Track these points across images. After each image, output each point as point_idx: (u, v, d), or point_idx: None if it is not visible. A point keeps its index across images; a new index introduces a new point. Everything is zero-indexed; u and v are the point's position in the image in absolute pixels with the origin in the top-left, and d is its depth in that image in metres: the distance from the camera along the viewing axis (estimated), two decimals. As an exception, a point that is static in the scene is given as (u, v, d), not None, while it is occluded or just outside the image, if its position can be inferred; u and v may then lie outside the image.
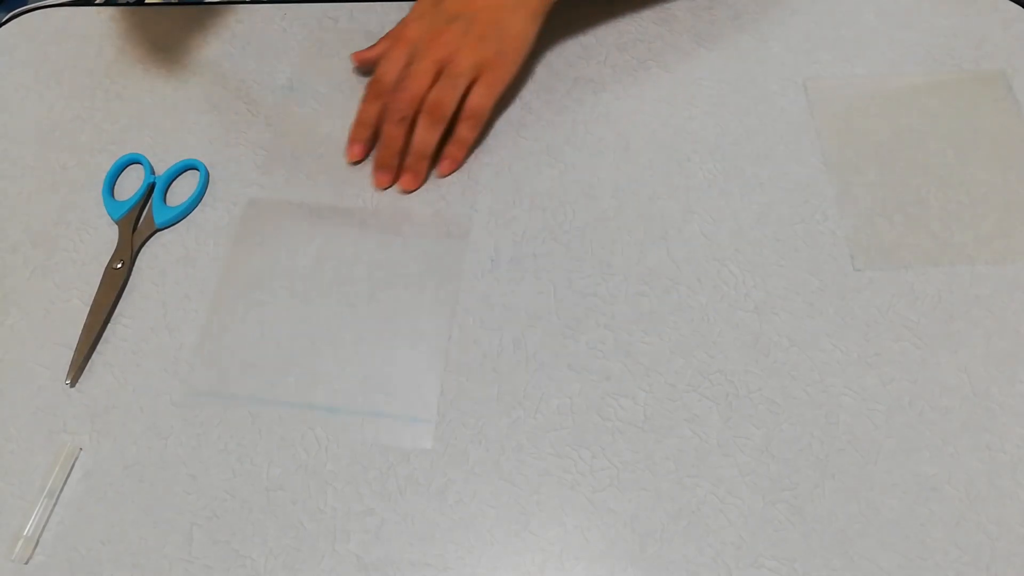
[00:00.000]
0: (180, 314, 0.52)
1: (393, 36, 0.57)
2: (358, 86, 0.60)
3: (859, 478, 0.46)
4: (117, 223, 0.55)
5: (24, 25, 0.65)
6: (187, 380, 0.50)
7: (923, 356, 0.50)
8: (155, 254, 0.55)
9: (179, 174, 0.58)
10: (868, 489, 0.46)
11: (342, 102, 0.60)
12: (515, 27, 0.55)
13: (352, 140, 0.57)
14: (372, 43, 0.62)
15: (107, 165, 0.58)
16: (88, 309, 0.52)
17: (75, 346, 0.51)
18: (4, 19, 0.65)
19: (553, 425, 0.48)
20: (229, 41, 0.63)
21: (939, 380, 0.49)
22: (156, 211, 0.56)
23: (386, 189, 0.56)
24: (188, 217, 0.56)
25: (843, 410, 0.48)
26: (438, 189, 0.56)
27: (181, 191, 0.57)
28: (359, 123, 0.57)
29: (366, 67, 0.60)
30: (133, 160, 0.58)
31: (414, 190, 0.56)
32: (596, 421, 0.48)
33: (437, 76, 0.54)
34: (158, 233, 0.55)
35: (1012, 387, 0.49)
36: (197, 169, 0.58)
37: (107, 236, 0.55)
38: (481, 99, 0.55)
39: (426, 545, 0.45)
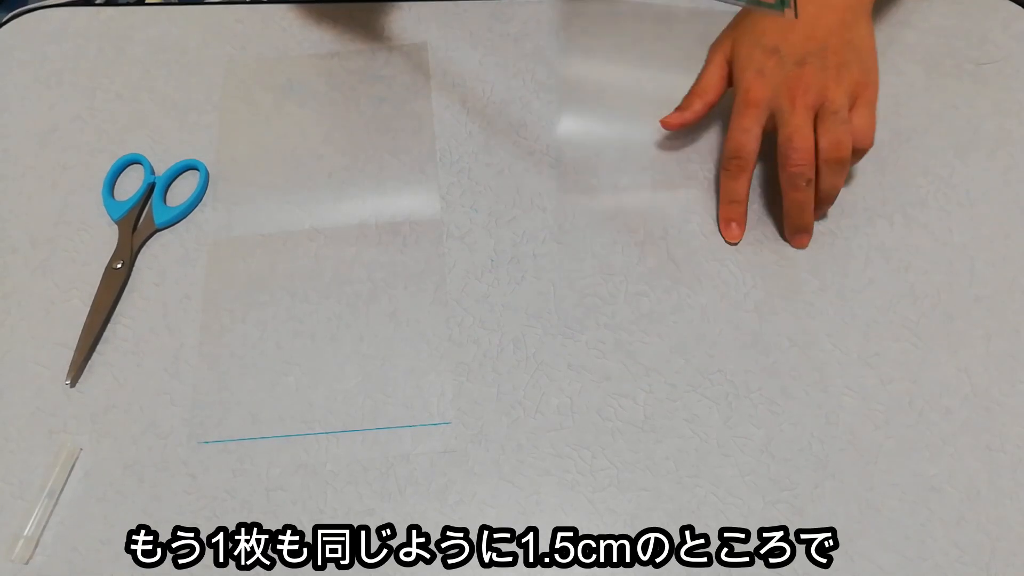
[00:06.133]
0: (180, 314, 0.52)
1: (741, 103, 0.52)
2: (358, 86, 0.60)
3: (859, 478, 0.46)
4: (117, 223, 0.55)
5: (24, 25, 0.65)
6: (189, 383, 0.50)
7: (923, 356, 0.50)
8: (155, 254, 0.55)
9: (179, 174, 0.58)
10: (868, 489, 0.46)
11: (342, 102, 0.60)
12: (863, 38, 0.52)
13: (728, 220, 0.54)
14: (373, 43, 0.62)
15: (107, 165, 0.57)
16: (88, 309, 0.52)
17: (75, 346, 0.51)
18: (4, 19, 0.65)
19: (553, 425, 0.48)
20: (229, 41, 0.63)
21: (939, 380, 0.49)
22: (156, 211, 0.56)
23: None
24: (188, 217, 0.56)
25: (843, 410, 0.48)
26: (438, 189, 0.56)
27: (181, 191, 0.57)
28: (732, 202, 0.54)
29: (677, 130, 0.56)
30: (133, 160, 0.58)
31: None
32: (596, 421, 0.48)
33: (814, 121, 0.51)
34: (158, 233, 0.55)
35: (1012, 387, 0.49)
36: (197, 169, 0.58)
37: (107, 236, 0.55)
38: (869, 123, 0.51)
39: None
